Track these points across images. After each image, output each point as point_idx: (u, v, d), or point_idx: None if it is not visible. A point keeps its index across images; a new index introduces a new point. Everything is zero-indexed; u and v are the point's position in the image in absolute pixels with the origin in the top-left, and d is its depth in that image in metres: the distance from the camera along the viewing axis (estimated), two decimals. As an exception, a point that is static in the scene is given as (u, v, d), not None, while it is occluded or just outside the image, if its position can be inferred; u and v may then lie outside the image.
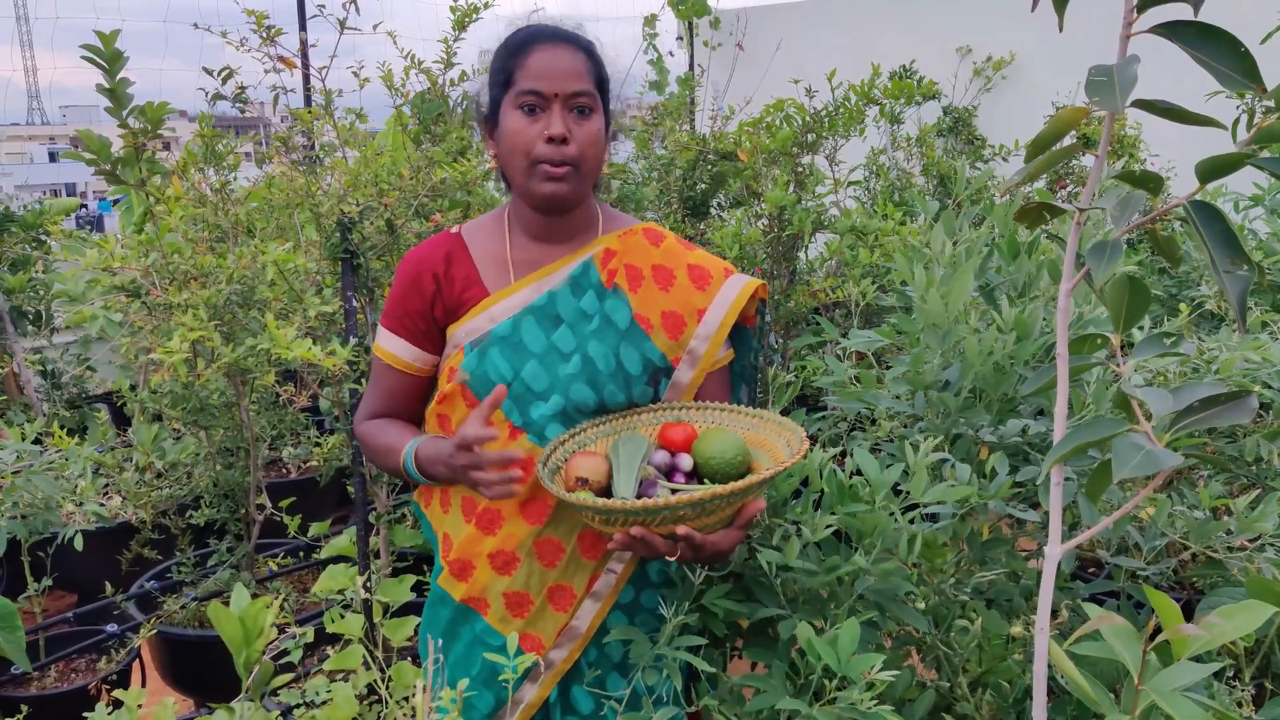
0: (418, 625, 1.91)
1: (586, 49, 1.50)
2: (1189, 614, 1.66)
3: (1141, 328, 2.02)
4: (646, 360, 1.54)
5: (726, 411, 1.56)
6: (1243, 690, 1.48)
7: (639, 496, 1.37)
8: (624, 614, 1.57)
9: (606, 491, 1.40)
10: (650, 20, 5.36)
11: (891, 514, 1.48)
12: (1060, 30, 0.90)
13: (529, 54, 1.45)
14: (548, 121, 1.43)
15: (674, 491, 1.37)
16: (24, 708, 2.33)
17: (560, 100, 1.44)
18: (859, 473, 1.53)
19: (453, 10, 2.90)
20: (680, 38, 6.91)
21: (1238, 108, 3.36)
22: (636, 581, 1.57)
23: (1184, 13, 0.83)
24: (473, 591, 1.54)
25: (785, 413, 1.84)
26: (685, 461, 1.44)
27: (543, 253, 1.56)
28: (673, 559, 1.33)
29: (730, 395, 1.65)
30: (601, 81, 1.50)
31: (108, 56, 2.61)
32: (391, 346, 1.58)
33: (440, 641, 1.58)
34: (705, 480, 1.44)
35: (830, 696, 1.25)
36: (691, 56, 6.79)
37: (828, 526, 1.43)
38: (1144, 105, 0.87)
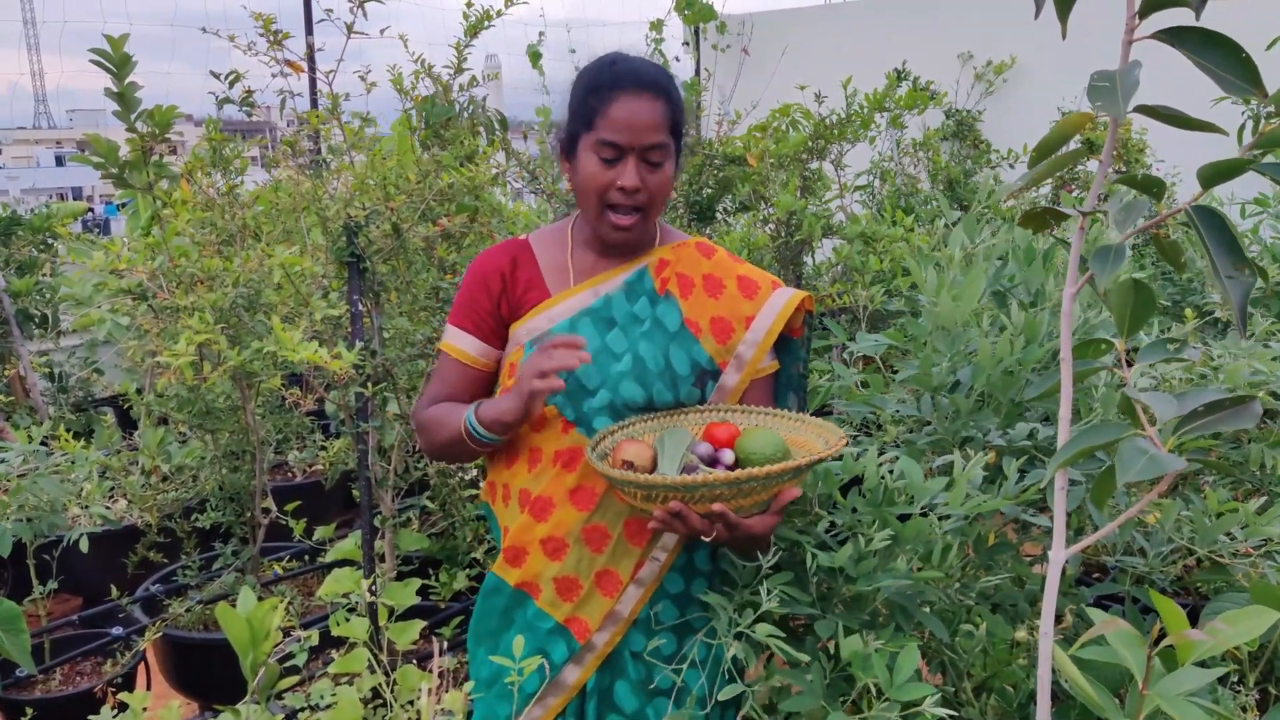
0: (423, 628, 1.91)
1: (666, 94, 1.55)
2: (1193, 619, 1.66)
3: (1147, 334, 2.02)
4: (694, 362, 1.62)
5: (769, 415, 1.62)
6: (1247, 695, 1.48)
7: None
8: (675, 605, 1.62)
9: None
10: (657, 25, 5.38)
11: (924, 516, 1.50)
12: (1064, 38, 0.90)
13: (612, 102, 1.52)
14: (622, 172, 1.52)
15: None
16: (29, 710, 2.34)
17: (636, 152, 1.52)
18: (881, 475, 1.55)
19: (465, 17, 2.90)
20: (686, 43, 6.92)
21: (1243, 114, 3.36)
22: (685, 572, 1.63)
23: (1186, 18, 0.83)
24: (526, 576, 1.61)
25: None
26: (727, 455, 1.50)
27: (602, 262, 1.67)
28: (708, 538, 1.38)
29: (775, 404, 1.71)
30: (676, 124, 1.57)
31: (116, 60, 2.61)
32: (459, 342, 1.68)
33: (496, 635, 1.66)
34: None
35: (871, 715, 1.26)
36: (698, 62, 6.80)
37: (886, 539, 1.44)
38: (1146, 111, 0.88)
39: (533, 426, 1.62)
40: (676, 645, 1.60)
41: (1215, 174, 0.86)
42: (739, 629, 1.39)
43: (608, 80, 1.54)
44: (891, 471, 1.55)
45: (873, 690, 1.31)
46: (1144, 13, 0.84)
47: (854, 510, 1.53)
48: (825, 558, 1.41)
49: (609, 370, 1.60)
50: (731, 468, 1.49)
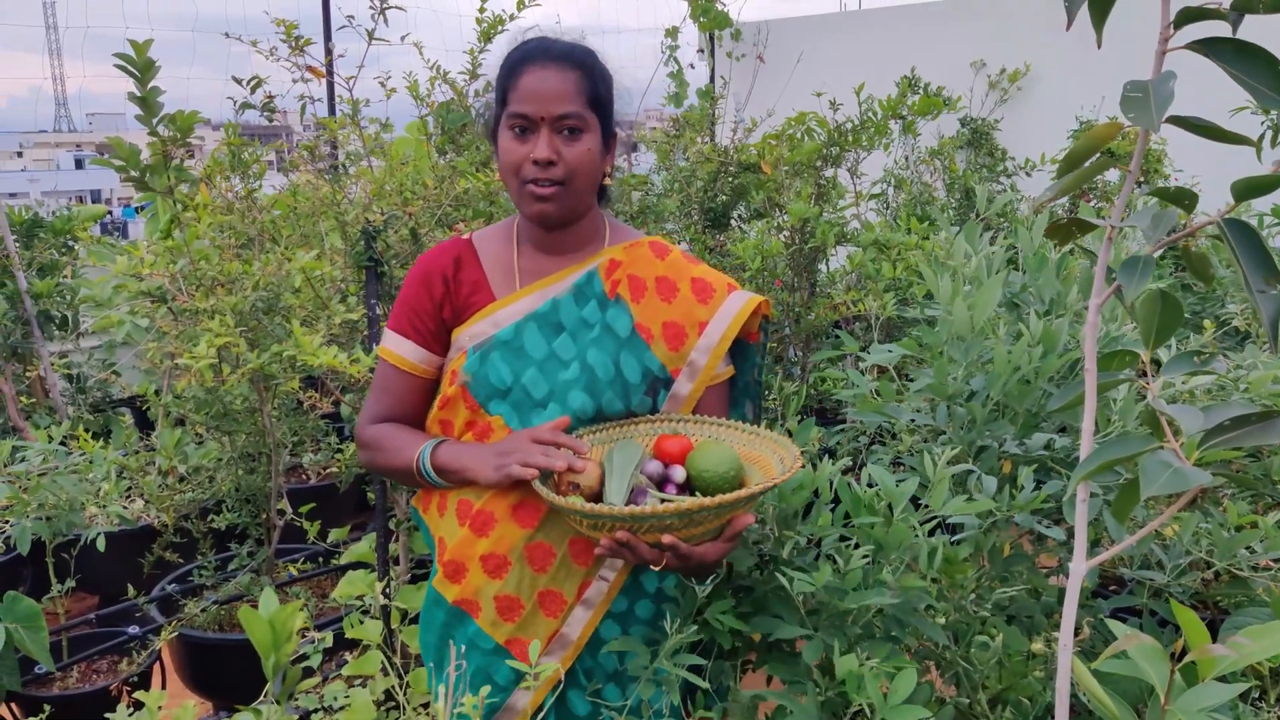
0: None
1: (581, 65, 1.50)
2: (1212, 633, 1.65)
3: (1169, 346, 2.01)
4: (645, 369, 1.55)
5: (723, 426, 1.55)
6: (1268, 712, 1.46)
7: (629, 504, 1.37)
8: (617, 623, 1.56)
9: (598, 497, 1.40)
10: (672, 32, 5.38)
11: (912, 526, 1.47)
12: (1099, 47, 0.90)
13: (520, 75, 1.48)
14: (535, 144, 1.46)
15: (663, 501, 1.37)
16: (47, 707, 2.35)
17: (548, 123, 1.46)
18: (868, 484, 1.53)
19: (478, 22, 2.92)
20: (701, 50, 6.93)
21: (1263, 124, 3.34)
22: (630, 592, 1.56)
23: (1220, 29, 0.83)
24: (465, 594, 1.54)
25: (800, 424, 1.84)
26: (678, 473, 1.45)
27: (549, 263, 1.59)
28: (658, 568, 1.34)
29: (730, 411, 1.65)
30: (597, 98, 1.51)
31: (140, 65, 2.64)
32: (399, 349, 1.60)
33: (440, 649, 1.58)
34: (697, 493, 1.44)
35: None
36: (713, 69, 6.81)
37: (841, 538, 1.42)
38: (1178, 121, 0.87)
39: (477, 437, 1.55)
40: (619, 662, 1.56)
41: (1250, 189, 0.85)
42: (656, 664, 1.35)
43: (518, 56, 1.51)
44: (849, 482, 1.52)
45: (868, 711, 1.30)
46: (1179, 23, 0.83)
47: (814, 530, 1.50)
48: (802, 582, 1.37)
49: (557, 379, 1.53)
50: (683, 485, 1.45)
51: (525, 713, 1.55)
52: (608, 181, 1.62)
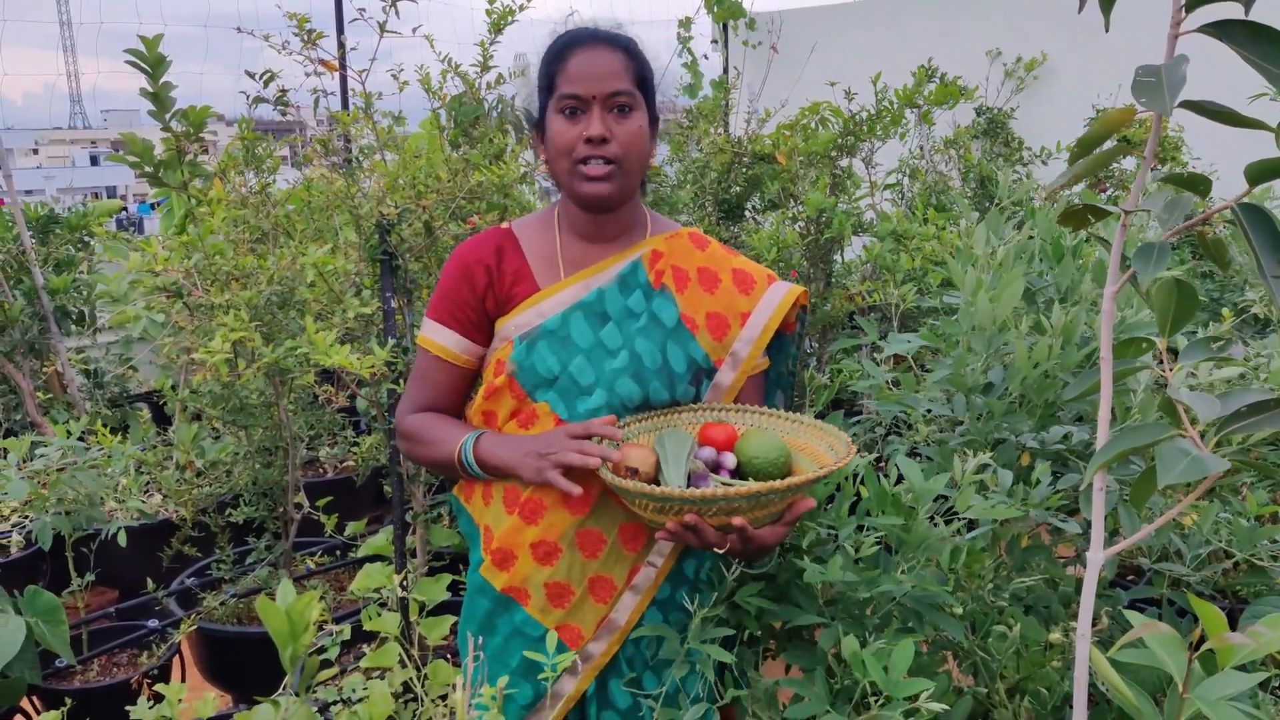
0: (454, 623, 1.92)
1: (625, 47, 1.52)
2: (1232, 623, 1.64)
3: (1189, 334, 1.99)
4: (691, 359, 1.57)
5: (765, 415, 1.58)
6: (1288, 701, 1.45)
7: (690, 488, 1.38)
8: (660, 611, 1.58)
9: (655, 482, 1.42)
10: (685, 23, 5.36)
11: (934, 522, 1.47)
12: (1107, 31, 0.89)
13: (568, 59, 1.49)
14: (587, 123, 1.47)
15: (723, 485, 1.40)
16: (68, 700, 2.37)
17: (599, 101, 1.47)
18: (899, 479, 1.53)
19: (488, 14, 2.91)
20: (715, 40, 6.90)
21: (1283, 109, 3.30)
22: (674, 578, 1.58)
23: (1233, 11, 0.82)
24: (514, 581, 1.55)
25: (821, 416, 1.84)
26: (729, 459, 1.47)
27: (592, 251, 1.60)
28: (722, 550, 1.35)
29: (765, 401, 1.67)
30: (643, 79, 1.53)
31: (151, 61, 2.65)
32: (440, 338, 1.61)
33: (479, 637, 1.60)
34: (749, 479, 1.45)
35: (872, 716, 1.25)
36: (726, 59, 6.78)
37: (874, 544, 1.43)
38: (1192, 106, 0.86)
39: (521, 424, 1.56)
40: (657, 650, 1.57)
41: (1263, 172, 0.85)
42: (688, 645, 1.36)
43: (563, 41, 1.52)
44: (883, 473, 1.52)
45: (872, 690, 1.29)
46: (1191, 6, 0.82)
47: (850, 511, 1.50)
48: (814, 572, 1.39)
49: (604, 367, 1.54)
50: (734, 471, 1.46)
51: (571, 698, 1.56)
52: (653, 163, 1.63)
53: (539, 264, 1.60)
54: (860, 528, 1.52)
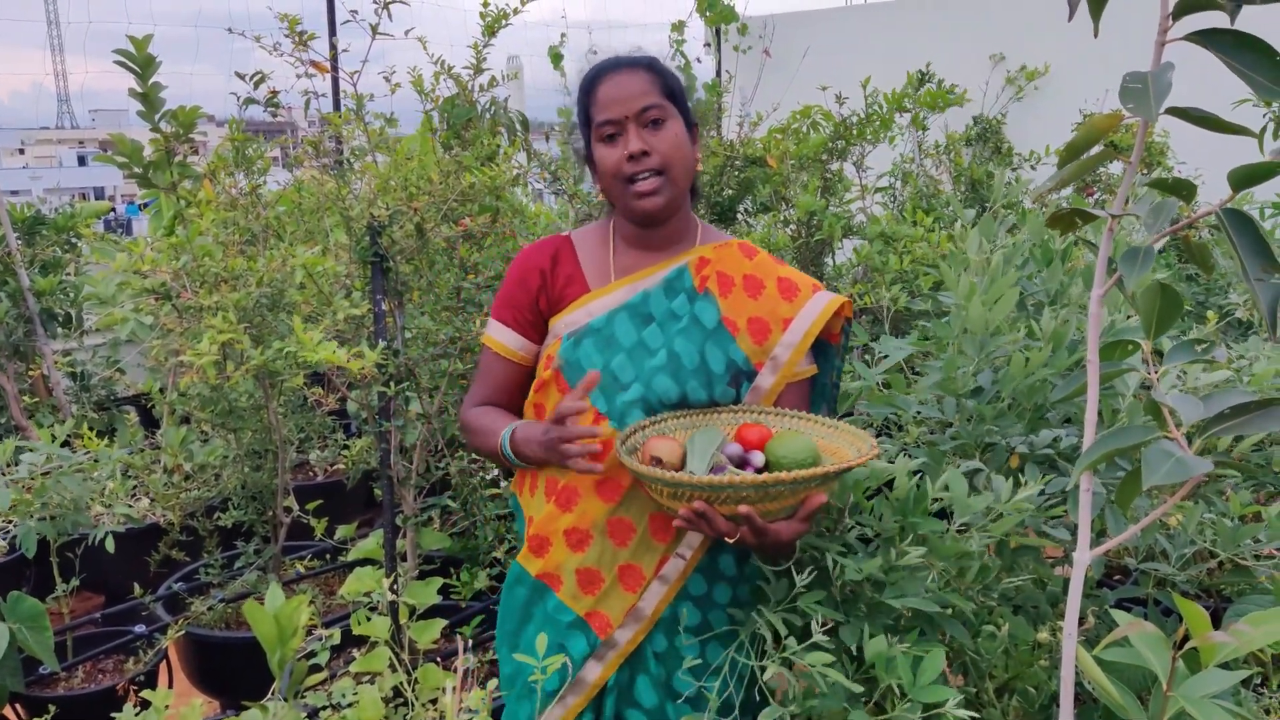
0: (445, 628, 1.92)
1: (648, 66, 1.61)
2: (1216, 622, 1.65)
3: (1174, 336, 2.01)
4: (730, 361, 1.62)
5: (803, 419, 1.61)
6: (1270, 697, 1.47)
7: None
8: (698, 608, 1.62)
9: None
10: (678, 27, 5.38)
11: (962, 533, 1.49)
12: (1095, 36, 0.90)
13: (596, 89, 1.59)
14: (625, 142, 1.57)
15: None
16: (52, 707, 2.36)
17: (632, 119, 1.56)
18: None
19: (483, 17, 2.92)
20: (708, 44, 6.92)
21: (1264, 115, 3.33)
22: (708, 574, 1.62)
23: (1218, 20, 0.83)
24: (548, 567, 1.62)
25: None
26: (757, 458, 1.49)
27: (643, 258, 1.69)
28: (732, 540, 1.38)
29: (809, 410, 1.71)
30: (671, 91, 1.61)
31: (140, 61, 2.64)
32: (500, 336, 1.72)
33: (519, 628, 1.67)
34: None
35: (891, 717, 1.26)
36: (719, 63, 6.80)
37: (917, 556, 1.44)
38: (1177, 113, 0.87)
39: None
40: (698, 649, 1.60)
41: (1247, 177, 0.86)
42: (788, 654, 1.36)
43: (590, 77, 1.62)
44: (922, 475, 1.54)
45: (896, 691, 1.31)
46: (1178, 14, 0.83)
47: (880, 518, 1.52)
48: (853, 568, 1.40)
49: (644, 365, 1.61)
50: (761, 471, 1.48)
51: (595, 685, 1.62)
52: (699, 169, 1.70)
53: (592, 269, 1.69)
54: (899, 530, 1.53)
